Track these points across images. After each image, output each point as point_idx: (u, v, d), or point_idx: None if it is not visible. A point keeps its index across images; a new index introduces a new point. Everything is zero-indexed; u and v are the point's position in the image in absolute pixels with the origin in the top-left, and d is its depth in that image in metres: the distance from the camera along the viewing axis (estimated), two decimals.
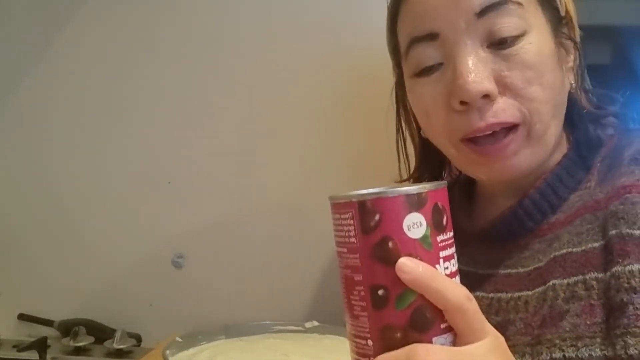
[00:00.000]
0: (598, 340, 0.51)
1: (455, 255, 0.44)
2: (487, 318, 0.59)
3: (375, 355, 0.41)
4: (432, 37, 0.59)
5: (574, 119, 0.64)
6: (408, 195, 0.41)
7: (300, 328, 0.93)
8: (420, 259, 0.40)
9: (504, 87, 0.57)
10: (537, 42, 0.57)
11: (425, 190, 0.41)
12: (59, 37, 1.15)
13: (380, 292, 0.41)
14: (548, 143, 0.60)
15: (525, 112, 0.57)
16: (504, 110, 0.57)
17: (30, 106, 1.17)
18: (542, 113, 0.58)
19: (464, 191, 0.74)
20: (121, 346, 1.05)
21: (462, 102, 0.57)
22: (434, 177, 0.76)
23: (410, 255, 0.40)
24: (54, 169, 1.17)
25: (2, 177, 1.18)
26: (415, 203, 0.41)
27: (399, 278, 0.40)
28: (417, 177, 0.76)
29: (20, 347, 1.05)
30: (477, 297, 0.62)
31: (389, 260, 0.40)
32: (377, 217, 0.41)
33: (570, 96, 0.62)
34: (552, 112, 0.59)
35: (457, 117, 0.58)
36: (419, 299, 0.40)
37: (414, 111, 0.67)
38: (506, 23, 0.56)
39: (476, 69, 0.56)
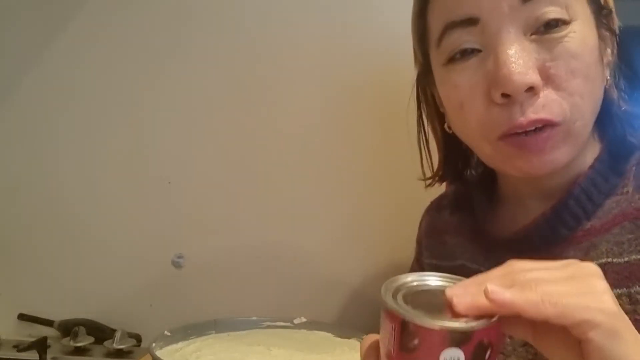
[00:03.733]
0: None
1: None
2: None
3: None
4: (471, 22, 0.55)
5: (607, 117, 0.61)
6: (451, 332, 0.40)
7: (288, 324, 0.94)
8: None
9: (547, 79, 0.54)
10: (581, 31, 0.55)
11: (471, 329, 0.40)
12: (59, 37, 1.15)
13: None
14: (584, 139, 0.58)
15: (566, 108, 0.54)
16: (545, 106, 0.54)
17: (30, 106, 1.17)
18: (583, 109, 0.55)
19: (486, 192, 0.70)
20: (121, 346, 1.05)
21: (504, 95, 0.54)
22: (458, 174, 0.72)
23: None
24: (54, 168, 1.17)
25: (2, 177, 1.18)
26: (457, 339, 0.40)
27: None
28: (441, 175, 0.72)
29: (20, 347, 1.05)
30: None
31: None
32: (416, 341, 0.40)
33: (605, 93, 0.59)
34: (592, 109, 0.57)
35: (497, 110, 0.55)
36: None
37: (444, 104, 0.63)
38: (552, 9, 0.53)
39: (520, 58, 0.53)
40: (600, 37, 0.58)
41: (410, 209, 1.07)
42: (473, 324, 0.40)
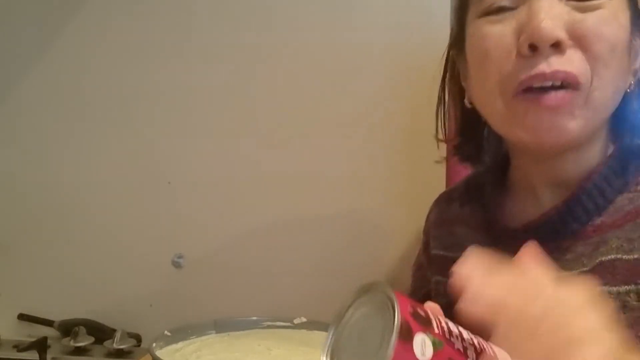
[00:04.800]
0: None
1: (442, 317, 0.43)
2: None
3: None
4: None
5: (624, 123, 0.62)
6: (398, 334, 0.39)
7: (288, 324, 0.94)
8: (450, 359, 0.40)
9: (575, 39, 0.55)
10: (615, 9, 0.57)
11: (397, 315, 0.40)
12: (59, 37, 1.15)
13: None
14: (600, 115, 0.58)
15: (588, 71, 0.56)
16: (570, 61, 0.55)
17: (31, 106, 1.17)
18: (604, 79, 0.56)
19: (498, 182, 0.71)
20: (121, 346, 1.05)
21: (531, 46, 0.55)
22: (472, 153, 0.73)
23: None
24: (54, 169, 1.17)
25: (2, 177, 1.18)
26: (406, 332, 0.40)
27: None
28: (456, 153, 0.73)
29: (20, 347, 1.05)
30: None
31: None
32: None
33: (626, 97, 0.60)
34: (613, 87, 0.57)
35: (521, 61, 0.57)
36: None
37: (470, 59, 0.64)
38: None
39: (552, 13, 0.55)
40: (633, 36, 0.59)
41: (411, 209, 1.07)
42: (390, 325, 0.40)
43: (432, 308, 0.43)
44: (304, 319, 0.95)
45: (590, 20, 0.55)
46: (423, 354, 0.39)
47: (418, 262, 0.80)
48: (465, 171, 1.04)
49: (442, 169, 1.04)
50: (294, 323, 0.95)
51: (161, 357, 0.77)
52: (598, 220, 0.59)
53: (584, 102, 0.56)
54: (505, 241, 0.63)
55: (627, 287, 0.53)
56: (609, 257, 0.55)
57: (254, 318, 0.96)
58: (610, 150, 0.63)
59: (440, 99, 0.73)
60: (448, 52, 0.72)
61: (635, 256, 0.54)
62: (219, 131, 1.12)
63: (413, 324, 0.40)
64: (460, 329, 0.43)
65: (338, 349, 0.44)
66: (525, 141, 0.60)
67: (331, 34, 1.08)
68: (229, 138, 1.12)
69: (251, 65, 1.10)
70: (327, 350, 0.45)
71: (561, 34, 0.54)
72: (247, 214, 1.12)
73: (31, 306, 1.17)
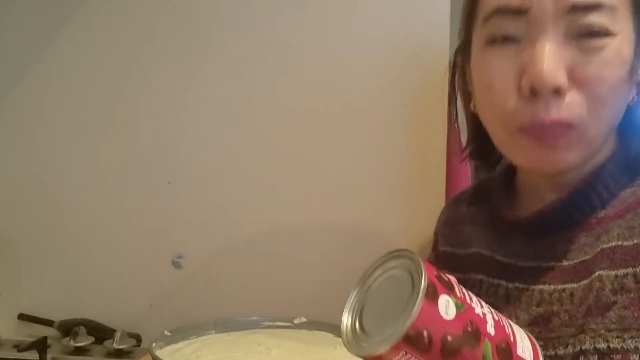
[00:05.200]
0: None
1: (464, 287, 0.46)
2: (527, 309, 0.59)
3: None
4: (520, 12, 0.58)
5: (629, 130, 0.64)
6: (424, 294, 0.41)
7: (288, 324, 0.95)
8: (470, 322, 0.43)
9: (575, 81, 0.56)
10: (619, 45, 0.57)
11: (424, 276, 0.42)
12: (60, 37, 1.15)
13: None
14: (596, 145, 0.60)
15: (585, 112, 0.57)
16: (567, 106, 0.56)
17: (30, 106, 1.17)
18: (600, 117, 0.58)
19: (504, 181, 0.72)
20: (121, 346, 1.05)
21: (532, 90, 0.56)
22: (486, 152, 0.74)
23: (465, 328, 0.42)
24: (54, 169, 1.17)
25: (2, 177, 1.18)
26: (432, 292, 0.42)
27: (472, 349, 0.42)
28: (469, 152, 0.75)
29: (20, 347, 1.05)
30: (516, 288, 0.62)
31: (457, 348, 0.42)
32: (425, 334, 0.41)
33: (628, 110, 0.62)
34: (609, 120, 0.59)
35: (522, 103, 0.58)
36: (492, 342, 0.43)
37: (474, 82, 0.65)
38: (595, 21, 0.56)
39: (554, 58, 0.55)
40: (636, 56, 0.60)
41: (412, 209, 1.07)
42: (421, 276, 0.42)
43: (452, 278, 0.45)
44: (304, 319, 0.95)
45: (592, 64, 0.56)
46: (447, 313, 0.42)
47: (428, 260, 0.81)
48: (465, 174, 1.04)
49: (442, 172, 1.04)
50: (294, 323, 0.95)
51: (161, 357, 0.77)
52: (602, 213, 0.60)
53: (580, 138, 0.58)
54: (510, 236, 0.66)
55: (624, 270, 0.54)
56: (610, 244, 0.57)
57: (254, 318, 0.96)
58: (615, 152, 0.64)
59: (451, 100, 0.75)
60: (455, 55, 0.73)
61: (635, 241, 0.55)
62: (220, 131, 1.12)
63: (438, 285, 0.42)
64: (480, 299, 0.46)
65: (362, 307, 0.46)
66: (526, 168, 0.64)
67: (332, 38, 1.08)
68: (229, 138, 1.12)
69: (252, 66, 1.10)
70: (350, 309, 0.46)
71: (562, 80, 0.55)
72: (247, 214, 1.12)
73: (31, 306, 1.17)
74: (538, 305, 0.60)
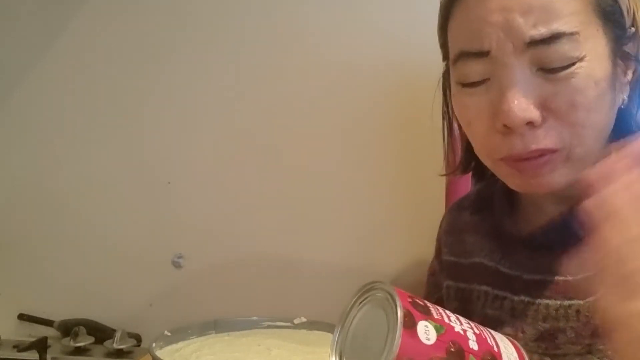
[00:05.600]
0: None
1: (440, 308, 0.46)
2: (533, 324, 0.59)
3: None
4: (482, 54, 0.58)
5: (625, 131, 0.62)
6: (402, 323, 0.42)
7: (288, 324, 0.95)
8: (453, 342, 0.43)
9: (549, 112, 0.56)
10: (589, 67, 0.56)
11: (398, 306, 0.42)
12: (60, 37, 1.15)
13: None
14: (586, 163, 0.58)
15: (566, 136, 0.56)
16: (545, 136, 0.56)
17: (31, 106, 1.17)
18: (583, 137, 0.57)
19: (506, 194, 0.72)
20: (121, 346, 1.05)
21: (505, 126, 0.56)
22: (478, 167, 0.73)
23: (447, 350, 0.42)
24: (54, 169, 1.17)
25: (3, 177, 1.18)
26: (409, 321, 0.42)
27: None
28: (461, 166, 0.74)
29: (20, 347, 1.05)
30: (522, 302, 0.62)
31: None
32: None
33: (622, 111, 0.61)
34: (595, 136, 0.58)
35: (499, 137, 0.58)
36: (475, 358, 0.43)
37: (456, 114, 0.66)
38: (556, 55, 0.55)
39: (522, 94, 0.55)
40: (616, 64, 0.58)
41: (413, 209, 1.07)
42: (394, 307, 0.43)
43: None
44: (304, 319, 0.95)
45: (562, 94, 0.55)
46: (427, 339, 0.42)
47: (432, 268, 0.81)
48: (465, 180, 1.04)
49: (442, 178, 1.04)
50: (294, 323, 0.96)
51: (161, 357, 0.77)
52: None
53: (566, 159, 0.57)
54: (513, 249, 0.65)
55: None
56: None
57: (254, 318, 0.96)
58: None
59: (444, 113, 0.74)
60: (443, 77, 0.73)
61: None
62: (219, 131, 1.12)
63: (415, 312, 0.43)
64: (457, 315, 0.46)
65: (346, 347, 0.46)
66: (518, 191, 0.63)
67: (332, 38, 1.08)
68: (229, 138, 1.12)
69: (253, 65, 1.10)
70: (335, 350, 0.46)
71: (533, 115, 0.55)
72: (248, 214, 1.12)
73: (31, 306, 1.17)
74: (544, 320, 0.60)
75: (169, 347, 0.84)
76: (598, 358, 0.53)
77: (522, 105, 0.55)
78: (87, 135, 1.16)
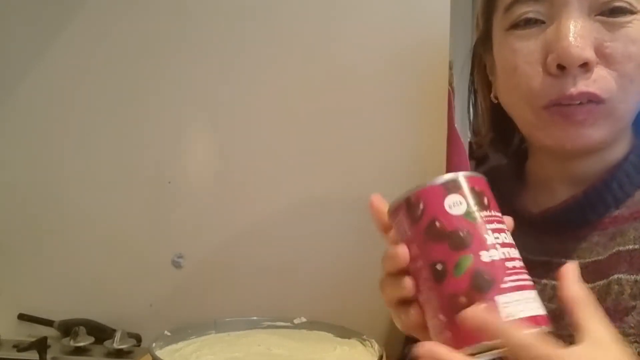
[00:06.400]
0: None
1: (506, 231, 0.48)
2: None
3: (448, 327, 0.44)
4: None
5: None
6: (444, 182, 0.47)
7: (288, 324, 0.95)
8: (468, 232, 0.45)
9: (603, 57, 0.56)
10: None
11: (459, 177, 0.47)
12: (59, 37, 1.15)
13: (438, 266, 0.45)
14: (623, 123, 0.60)
15: (614, 87, 0.57)
16: (596, 81, 0.56)
17: (30, 106, 1.17)
18: (630, 93, 0.57)
19: (517, 174, 0.72)
20: (121, 346, 1.05)
21: (559, 66, 0.56)
22: (505, 143, 0.75)
23: (457, 229, 0.45)
24: (54, 168, 1.17)
25: (2, 177, 1.18)
26: (452, 187, 0.46)
27: (452, 250, 0.44)
28: (487, 143, 0.75)
29: (20, 347, 1.05)
30: None
31: (439, 237, 0.45)
32: (421, 206, 0.47)
33: None
34: (636, 97, 0.59)
35: (549, 79, 0.58)
36: (474, 263, 0.44)
37: (498, 68, 0.66)
38: (616, 1, 0.56)
39: (580, 34, 0.56)
40: None
41: None
42: (460, 173, 0.48)
43: (507, 220, 0.48)
44: (304, 319, 0.95)
45: (619, 41, 0.56)
46: (450, 207, 0.46)
47: None
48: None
49: (442, 171, 1.04)
50: (294, 323, 0.96)
51: (161, 357, 0.77)
52: (615, 213, 0.60)
53: (608, 113, 0.58)
54: (519, 227, 0.65)
55: (634, 277, 0.54)
56: (627, 247, 0.56)
57: (254, 318, 0.96)
58: (633, 145, 0.64)
59: (470, 92, 0.75)
60: (475, 47, 0.73)
61: None
62: (220, 131, 1.12)
63: (463, 188, 0.47)
64: (515, 250, 0.47)
65: None
66: (549, 146, 0.63)
67: (332, 38, 1.08)
68: (229, 138, 1.12)
69: (253, 67, 1.10)
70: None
71: (589, 55, 0.56)
72: (248, 214, 1.12)
73: (31, 306, 1.17)
74: (550, 300, 0.59)
75: (169, 347, 0.85)
76: None
77: (579, 43, 0.55)
78: (87, 134, 1.16)
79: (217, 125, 1.12)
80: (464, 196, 0.46)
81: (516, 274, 0.45)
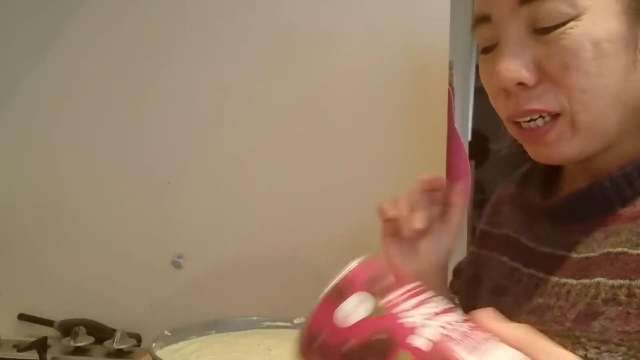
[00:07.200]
0: (623, 349, 0.50)
1: (434, 298, 0.40)
2: (530, 297, 0.60)
3: None
4: (485, 19, 0.59)
5: None
6: (328, 293, 0.40)
7: (288, 324, 0.95)
8: (384, 329, 0.37)
9: (543, 73, 0.56)
10: (585, 26, 0.54)
11: (341, 278, 0.41)
12: (59, 37, 1.15)
13: None
14: (603, 132, 0.57)
15: (564, 101, 0.55)
16: (539, 97, 0.56)
17: (30, 106, 1.17)
18: (586, 103, 0.55)
19: (548, 166, 0.70)
20: (121, 346, 1.05)
21: (502, 90, 0.58)
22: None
23: (371, 336, 0.37)
24: (54, 169, 1.17)
25: (2, 177, 1.18)
26: (339, 293, 0.40)
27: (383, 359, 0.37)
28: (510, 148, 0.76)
29: (20, 347, 1.05)
30: (528, 275, 0.62)
31: (361, 355, 0.38)
32: (322, 334, 0.40)
33: None
34: (606, 102, 0.55)
35: (502, 99, 0.60)
36: (415, 356, 0.36)
37: None
38: (548, 12, 0.54)
39: (514, 55, 0.56)
40: (636, 22, 0.55)
41: None
42: (338, 275, 0.41)
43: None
44: (304, 319, 0.95)
45: (554, 56, 0.54)
46: (347, 317, 0.39)
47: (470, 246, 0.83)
48: (465, 172, 1.04)
49: (442, 171, 1.04)
50: (294, 323, 0.96)
51: (161, 357, 0.77)
52: (620, 211, 0.58)
53: (569, 127, 0.56)
54: (536, 219, 0.66)
55: (620, 282, 0.53)
56: (617, 249, 0.55)
57: (254, 318, 0.96)
58: None
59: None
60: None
61: (639, 252, 0.53)
62: (220, 131, 1.12)
63: (350, 285, 0.41)
64: (446, 308, 0.39)
65: None
66: (535, 159, 0.62)
67: (332, 38, 1.08)
68: (229, 138, 1.12)
69: (252, 67, 1.10)
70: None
71: (522, 75, 0.55)
72: (248, 214, 1.12)
73: (31, 306, 1.17)
74: (540, 295, 0.59)
75: (169, 347, 0.85)
76: (572, 343, 0.52)
77: (509, 66, 0.55)
78: (87, 135, 1.16)
79: (217, 126, 1.12)
80: (358, 294, 0.39)
81: (469, 335, 0.37)
